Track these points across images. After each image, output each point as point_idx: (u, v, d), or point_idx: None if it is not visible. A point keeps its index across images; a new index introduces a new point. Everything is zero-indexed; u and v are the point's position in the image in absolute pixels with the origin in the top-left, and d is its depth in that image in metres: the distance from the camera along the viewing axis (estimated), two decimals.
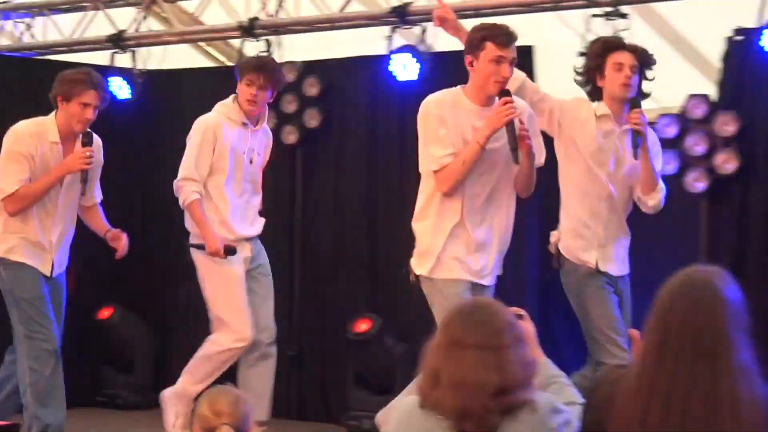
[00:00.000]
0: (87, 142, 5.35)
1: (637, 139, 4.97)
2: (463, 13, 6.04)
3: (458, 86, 4.80)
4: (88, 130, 5.39)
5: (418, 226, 4.81)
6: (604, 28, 6.11)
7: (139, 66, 7.63)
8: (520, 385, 2.60)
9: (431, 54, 6.65)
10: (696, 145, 6.11)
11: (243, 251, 5.60)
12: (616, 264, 5.20)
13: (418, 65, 6.61)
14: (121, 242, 5.57)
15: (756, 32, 5.86)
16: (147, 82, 7.57)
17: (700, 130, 6.11)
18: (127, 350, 7.65)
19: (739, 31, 6.06)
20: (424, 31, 6.62)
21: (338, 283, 7.16)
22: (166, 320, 7.77)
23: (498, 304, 2.82)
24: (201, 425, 3.01)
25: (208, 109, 5.72)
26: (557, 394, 3.01)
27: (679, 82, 6.48)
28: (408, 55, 6.63)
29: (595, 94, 5.10)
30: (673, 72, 6.47)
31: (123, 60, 7.58)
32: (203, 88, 7.19)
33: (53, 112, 5.39)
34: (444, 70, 6.34)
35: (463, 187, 4.68)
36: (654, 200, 5.13)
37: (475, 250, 4.73)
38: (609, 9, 6.16)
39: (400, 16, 6.72)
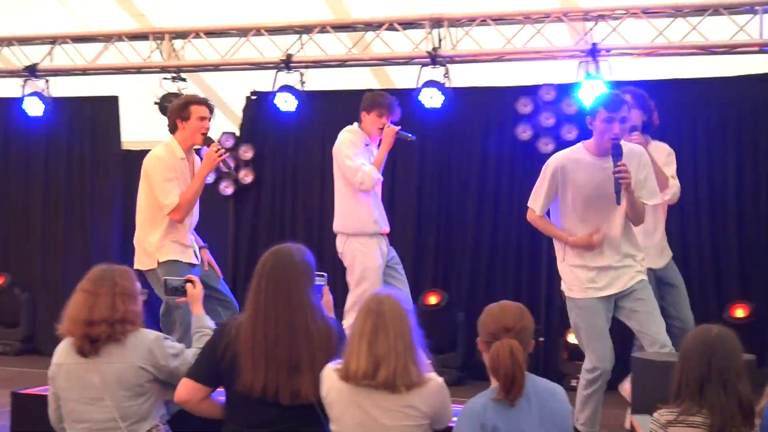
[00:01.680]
0: (208, 141, 5.82)
1: None
2: None
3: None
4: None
5: None
6: (170, 87, 8.85)
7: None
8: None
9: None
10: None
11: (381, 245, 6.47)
12: None
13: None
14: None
15: (268, 94, 8.58)
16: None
17: (230, 155, 8.77)
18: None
19: (254, 93, 9.15)
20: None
21: None
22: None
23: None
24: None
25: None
26: (196, 341, 4.14)
27: (215, 124, 9.44)
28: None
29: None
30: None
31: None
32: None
33: (171, 137, 5.83)
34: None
35: None
36: None
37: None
38: (174, 74, 8.91)
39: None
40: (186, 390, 3.82)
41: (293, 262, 3.78)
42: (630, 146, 5.22)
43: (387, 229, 6.54)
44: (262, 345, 3.67)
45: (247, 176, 9.15)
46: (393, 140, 6.34)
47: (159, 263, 5.70)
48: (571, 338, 7.78)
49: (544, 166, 5.32)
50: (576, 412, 5.27)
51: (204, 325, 4.23)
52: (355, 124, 6.50)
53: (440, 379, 3.63)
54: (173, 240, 5.75)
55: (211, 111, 5.93)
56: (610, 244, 5.23)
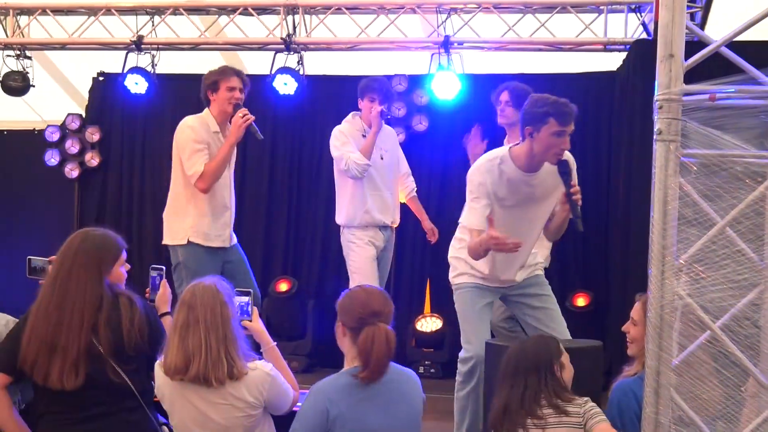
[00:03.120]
0: (237, 109, 5.63)
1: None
2: None
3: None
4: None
5: None
6: (14, 65, 8.57)
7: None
8: None
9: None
10: (72, 147, 8.89)
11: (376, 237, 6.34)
12: None
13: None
14: None
15: (117, 76, 8.44)
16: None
17: (76, 137, 8.92)
18: None
19: (101, 74, 8.94)
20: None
21: None
22: None
23: None
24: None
25: None
26: None
27: (61, 105, 9.27)
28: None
29: None
30: (56, 98, 9.29)
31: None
32: None
33: (206, 109, 5.76)
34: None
35: None
36: None
37: None
38: (18, 52, 8.64)
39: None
40: None
41: (87, 247, 3.67)
42: (569, 157, 4.64)
43: (387, 221, 6.37)
44: (38, 325, 3.56)
45: (93, 159, 8.92)
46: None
47: (182, 244, 5.66)
48: (420, 325, 7.92)
49: (469, 180, 4.72)
50: (455, 428, 5.02)
51: None
52: (352, 114, 6.39)
53: (267, 367, 3.61)
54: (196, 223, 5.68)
55: (244, 82, 5.74)
56: (516, 263, 4.90)
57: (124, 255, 3.79)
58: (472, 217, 4.68)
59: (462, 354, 4.96)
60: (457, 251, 5.14)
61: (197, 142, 5.61)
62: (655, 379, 2.76)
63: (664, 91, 2.77)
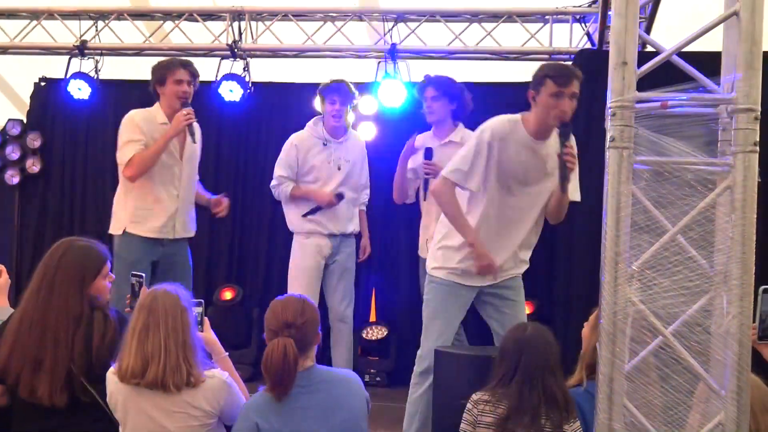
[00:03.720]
0: (186, 106, 5.65)
1: None
2: None
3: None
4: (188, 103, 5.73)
5: None
6: None
7: None
8: None
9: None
10: (13, 153, 8.73)
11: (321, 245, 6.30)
12: None
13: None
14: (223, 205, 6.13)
15: (59, 81, 8.28)
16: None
17: (16, 143, 8.75)
18: None
19: (43, 79, 8.76)
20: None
21: None
22: None
23: None
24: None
25: None
26: None
27: (1, 110, 9.09)
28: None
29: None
30: None
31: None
32: None
33: (156, 103, 5.84)
34: None
35: None
36: None
37: None
38: None
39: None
40: None
41: (69, 260, 3.66)
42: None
43: (336, 229, 6.31)
44: (11, 343, 3.53)
45: (34, 165, 8.75)
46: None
47: (118, 234, 5.73)
48: (365, 333, 7.89)
49: (478, 133, 4.63)
50: (405, 427, 4.95)
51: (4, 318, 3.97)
52: (314, 119, 6.34)
53: (223, 375, 3.57)
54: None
55: (192, 73, 5.79)
56: (507, 247, 4.82)
57: (107, 266, 3.76)
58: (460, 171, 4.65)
59: (419, 352, 4.90)
60: (440, 241, 4.97)
61: (133, 132, 5.64)
62: (608, 385, 2.77)
63: (617, 98, 2.79)
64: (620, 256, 2.78)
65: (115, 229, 5.79)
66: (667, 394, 2.86)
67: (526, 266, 5.06)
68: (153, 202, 5.76)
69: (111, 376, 3.50)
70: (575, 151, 4.53)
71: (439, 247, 4.97)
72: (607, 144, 2.86)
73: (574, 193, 4.71)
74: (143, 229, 5.75)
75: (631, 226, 2.83)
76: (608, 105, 2.85)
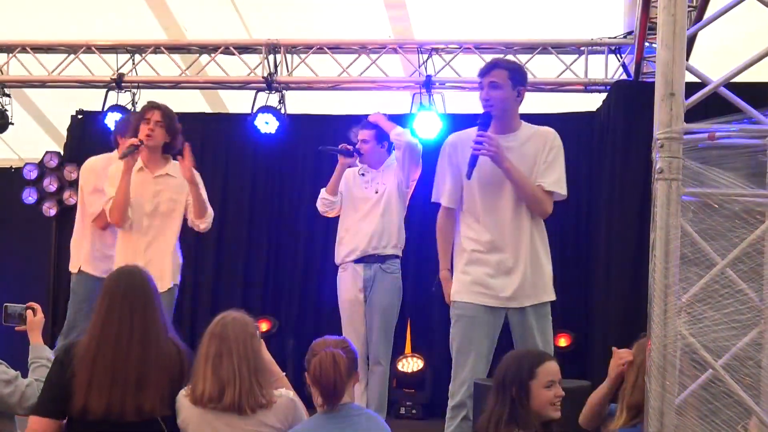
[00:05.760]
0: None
1: None
2: None
3: None
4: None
5: None
6: None
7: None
8: None
9: None
10: (51, 185, 8.79)
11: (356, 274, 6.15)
12: None
13: None
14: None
15: (96, 114, 8.35)
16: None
17: (54, 175, 8.82)
18: None
19: (80, 111, 8.83)
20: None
21: None
22: None
23: None
24: None
25: None
26: (32, 371, 3.88)
27: (39, 143, 9.18)
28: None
29: None
30: (34, 135, 9.20)
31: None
32: None
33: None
34: None
35: None
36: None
37: None
38: None
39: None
40: (36, 429, 3.62)
41: (144, 282, 3.75)
42: (542, 128, 4.76)
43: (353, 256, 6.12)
44: (109, 363, 3.57)
45: (71, 197, 8.78)
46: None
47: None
48: (401, 365, 7.85)
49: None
50: None
51: (41, 355, 3.99)
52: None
53: (290, 394, 3.69)
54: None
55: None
56: (501, 247, 4.65)
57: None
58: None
59: (450, 387, 4.74)
60: (455, 261, 4.84)
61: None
62: (659, 420, 2.74)
63: (665, 129, 2.78)
64: (670, 289, 2.75)
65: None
66: (718, 428, 2.82)
67: (550, 289, 4.85)
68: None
69: (183, 399, 3.58)
70: (490, 140, 4.54)
71: (455, 268, 4.86)
72: (655, 176, 2.84)
73: (553, 184, 4.66)
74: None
75: (680, 259, 2.80)
76: (656, 136, 2.84)
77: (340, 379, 3.46)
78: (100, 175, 6.01)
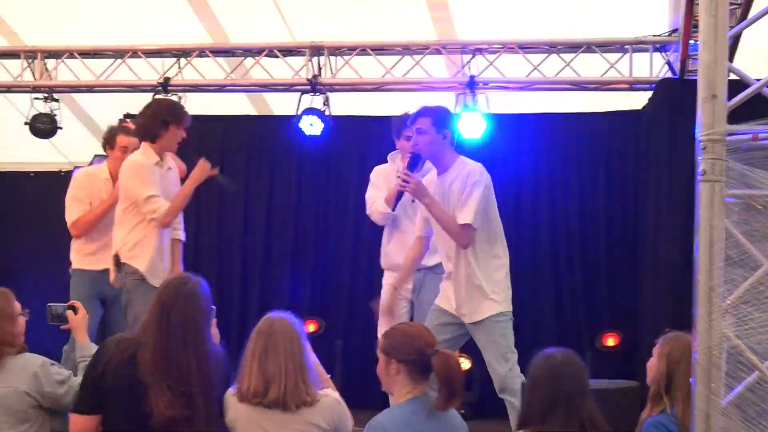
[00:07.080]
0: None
1: None
2: None
3: None
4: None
5: None
6: (42, 107, 8.69)
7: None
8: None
9: None
10: None
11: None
12: None
13: None
14: None
15: None
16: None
17: None
18: None
19: (128, 115, 8.72)
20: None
21: None
22: None
23: None
24: None
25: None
26: (81, 370, 3.93)
27: (87, 147, 9.30)
28: None
29: None
30: (82, 139, 9.34)
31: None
32: None
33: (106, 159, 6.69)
34: None
35: None
36: None
37: None
38: (46, 95, 8.73)
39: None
40: (77, 427, 3.66)
41: (199, 295, 3.75)
42: (468, 166, 5.18)
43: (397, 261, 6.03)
44: (172, 373, 3.60)
45: None
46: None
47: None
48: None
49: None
50: None
51: (89, 353, 4.00)
52: (394, 152, 6.31)
53: (335, 395, 3.74)
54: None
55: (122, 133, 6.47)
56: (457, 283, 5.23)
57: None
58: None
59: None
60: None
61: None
62: (705, 422, 2.73)
63: (707, 131, 2.76)
64: (714, 291, 2.74)
65: None
66: (764, 430, 2.80)
67: (497, 306, 5.23)
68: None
69: (230, 398, 3.64)
70: (410, 178, 5.13)
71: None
72: (698, 177, 2.83)
73: (462, 217, 5.08)
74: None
75: (725, 260, 2.79)
76: (698, 138, 2.83)
77: (462, 378, 3.65)
78: (81, 185, 6.57)
